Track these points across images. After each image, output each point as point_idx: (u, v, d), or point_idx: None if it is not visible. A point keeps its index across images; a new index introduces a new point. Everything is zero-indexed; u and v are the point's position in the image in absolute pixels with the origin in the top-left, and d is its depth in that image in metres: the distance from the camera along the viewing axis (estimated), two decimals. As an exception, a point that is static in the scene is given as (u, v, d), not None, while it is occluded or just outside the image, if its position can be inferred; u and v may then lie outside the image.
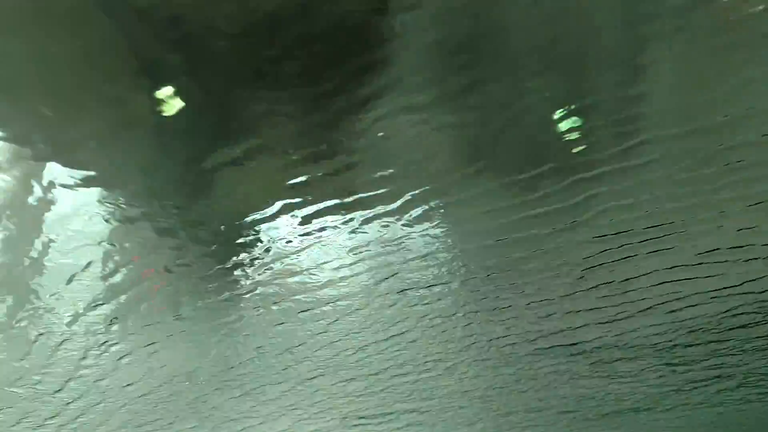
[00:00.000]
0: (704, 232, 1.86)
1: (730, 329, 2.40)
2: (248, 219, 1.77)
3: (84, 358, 2.37)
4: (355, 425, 3.16)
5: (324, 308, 2.22)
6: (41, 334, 2.19)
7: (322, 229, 1.82)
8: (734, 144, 1.55)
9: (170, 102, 1.36)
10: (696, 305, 2.24)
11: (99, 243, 1.79)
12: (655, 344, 2.53)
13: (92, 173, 1.52)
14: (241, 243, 1.87)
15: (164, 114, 1.38)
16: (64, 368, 2.42)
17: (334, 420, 3.11)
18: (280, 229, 1.83)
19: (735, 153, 1.57)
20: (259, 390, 2.78)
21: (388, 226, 1.83)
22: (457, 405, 3.06)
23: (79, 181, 1.55)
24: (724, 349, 2.58)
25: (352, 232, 1.84)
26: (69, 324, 2.17)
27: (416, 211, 1.76)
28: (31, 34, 1.18)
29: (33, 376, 2.46)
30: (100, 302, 2.06)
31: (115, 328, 2.22)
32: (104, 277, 1.93)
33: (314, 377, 2.76)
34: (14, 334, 2.14)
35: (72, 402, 2.69)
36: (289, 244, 1.90)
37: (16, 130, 1.37)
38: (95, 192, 1.59)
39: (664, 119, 1.47)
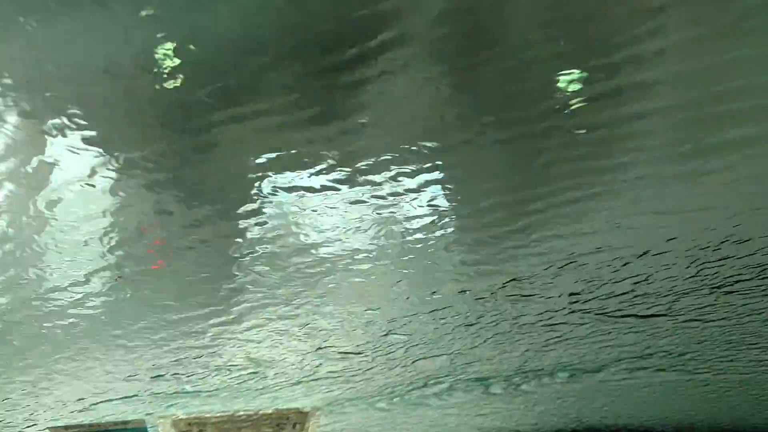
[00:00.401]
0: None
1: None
2: (244, 182, 1.77)
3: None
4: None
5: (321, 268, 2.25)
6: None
7: (318, 191, 1.82)
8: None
9: (168, 64, 1.35)
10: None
11: (101, 212, 1.79)
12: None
13: (89, 134, 1.51)
14: (236, 210, 1.88)
15: (163, 76, 1.37)
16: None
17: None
18: (277, 194, 1.83)
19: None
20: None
21: (383, 185, 1.83)
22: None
23: (77, 147, 1.55)
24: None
25: (345, 192, 1.85)
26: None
27: (414, 171, 1.77)
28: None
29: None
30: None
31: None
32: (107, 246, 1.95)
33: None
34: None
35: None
36: (285, 208, 1.91)
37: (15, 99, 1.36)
38: (93, 158, 1.59)
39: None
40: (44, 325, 2.48)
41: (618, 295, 2.50)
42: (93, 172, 1.65)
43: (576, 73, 1.46)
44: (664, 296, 2.49)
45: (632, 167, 1.73)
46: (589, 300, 2.54)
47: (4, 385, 3.01)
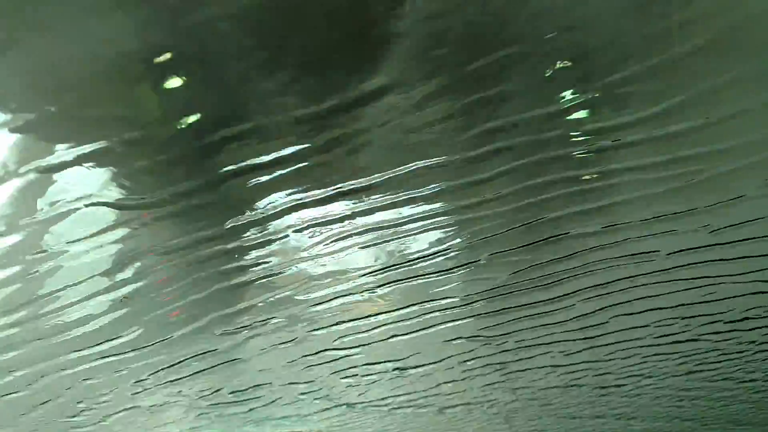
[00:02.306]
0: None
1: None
2: (251, 210, 1.76)
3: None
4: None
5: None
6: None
7: (323, 216, 1.82)
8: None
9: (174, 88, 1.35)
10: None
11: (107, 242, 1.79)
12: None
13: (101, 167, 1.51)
14: (242, 234, 1.87)
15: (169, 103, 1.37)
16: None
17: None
18: (282, 219, 1.83)
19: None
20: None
21: (390, 210, 1.82)
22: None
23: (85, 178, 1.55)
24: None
25: (350, 218, 1.84)
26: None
27: (418, 195, 1.76)
28: (36, 23, 1.16)
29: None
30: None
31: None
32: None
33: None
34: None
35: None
36: (291, 234, 1.90)
37: (22, 128, 1.36)
38: (99, 185, 1.59)
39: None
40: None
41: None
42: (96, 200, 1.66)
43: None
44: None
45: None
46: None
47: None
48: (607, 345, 2.64)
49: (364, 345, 2.60)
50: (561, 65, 1.36)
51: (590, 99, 1.44)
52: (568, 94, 1.43)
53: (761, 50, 1.32)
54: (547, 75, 1.37)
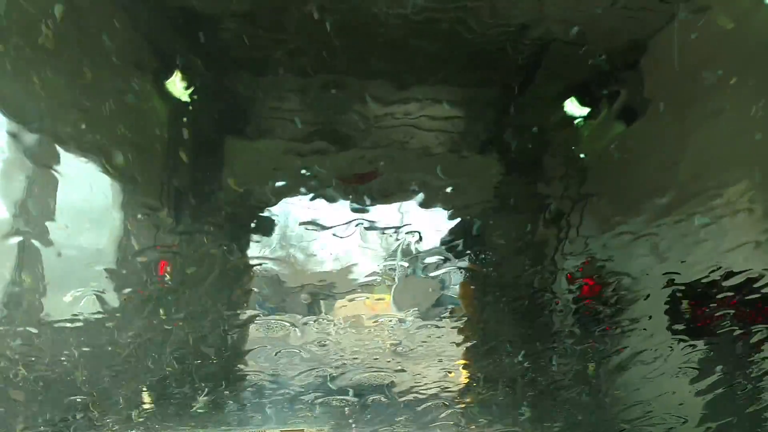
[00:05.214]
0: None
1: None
2: (254, 205, 1.77)
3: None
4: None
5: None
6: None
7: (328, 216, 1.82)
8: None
9: (177, 89, 1.36)
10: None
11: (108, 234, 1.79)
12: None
13: (99, 163, 1.52)
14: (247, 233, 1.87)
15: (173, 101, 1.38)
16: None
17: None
18: (285, 218, 1.83)
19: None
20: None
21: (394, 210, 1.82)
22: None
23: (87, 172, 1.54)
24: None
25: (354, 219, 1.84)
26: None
27: (419, 197, 1.76)
28: (37, 21, 1.17)
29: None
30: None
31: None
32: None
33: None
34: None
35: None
36: (294, 233, 1.90)
37: (24, 121, 1.37)
38: (102, 181, 1.59)
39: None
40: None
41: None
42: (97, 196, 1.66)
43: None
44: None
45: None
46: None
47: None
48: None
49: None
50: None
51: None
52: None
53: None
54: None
